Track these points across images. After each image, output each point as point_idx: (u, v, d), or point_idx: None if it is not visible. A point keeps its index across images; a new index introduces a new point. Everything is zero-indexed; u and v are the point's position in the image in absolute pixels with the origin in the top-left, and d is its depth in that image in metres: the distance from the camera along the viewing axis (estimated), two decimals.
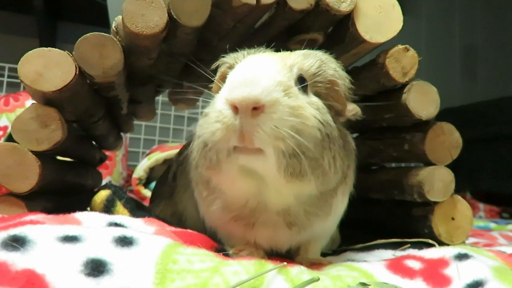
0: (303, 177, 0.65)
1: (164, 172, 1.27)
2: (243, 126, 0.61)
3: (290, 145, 0.62)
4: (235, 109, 0.62)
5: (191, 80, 1.15)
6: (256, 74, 0.64)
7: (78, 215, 0.72)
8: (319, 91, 0.73)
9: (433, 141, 0.94)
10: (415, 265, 0.71)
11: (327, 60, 0.75)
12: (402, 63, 0.90)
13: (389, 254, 0.86)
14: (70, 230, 0.58)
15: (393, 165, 1.21)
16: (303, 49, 0.77)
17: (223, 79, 0.73)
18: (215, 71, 0.80)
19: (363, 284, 0.58)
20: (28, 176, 0.78)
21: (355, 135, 1.14)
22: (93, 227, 0.63)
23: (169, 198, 1.06)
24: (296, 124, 0.63)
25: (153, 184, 2.34)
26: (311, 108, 0.67)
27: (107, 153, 1.52)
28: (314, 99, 0.71)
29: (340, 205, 0.81)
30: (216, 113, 0.65)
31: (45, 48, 0.78)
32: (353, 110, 0.77)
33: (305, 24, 0.92)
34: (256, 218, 0.73)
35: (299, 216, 0.73)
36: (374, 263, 0.73)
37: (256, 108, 0.61)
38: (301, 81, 0.70)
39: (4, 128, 2.21)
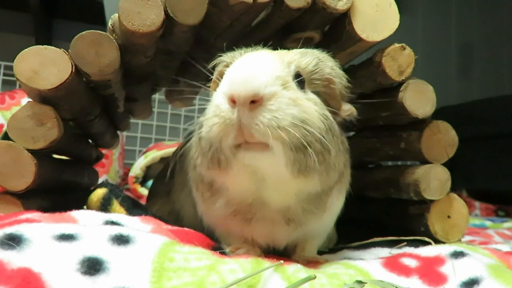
0: (309, 173, 0.65)
1: (161, 171, 1.27)
2: (241, 120, 0.61)
3: (295, 136, 0.61)
4: (233, 103, 0.61)
5: (188, 79, 1.15)
6: (255, 69, 0.63)
7: (75, 213, 0.72)
8: (316, 89, 0.73)
9: (429, 139, 0.94)
10: (411, 263, 0.71)
11: (324, 59, 0.76)
12: (399, 61, 0.90)
13: (385, 252, 0.86)
14: (66, 229, 0.58)
15: (390, 163, 1.21)
16: (300, 47, 0.77)
17: (221, 77, 0.73)
18: (212, 69, 0.80)
19: (360, 282, 0.58)
20: (24, 175, 0.78)
21: (351, 133, 1.15)
22: (89, 226, 0.63)
23: (166, 197, 1.06)
24: (297, 113, 0.63)
25: (149, 183, 2.34)
26: (310, 102, 0.68)
27: (104, 151, 1.51)
28: (312, 95, 0.71)
29: (336, 204, 0.81)
30: (213, 108, 0.65)
31: (41, 46, 0.78)
32: (348, 110, 0.78)
33: (302, 22, 0.92)
34: (253, 214, 0.73)
35: (297, 213, 0.73)
36: (371, 261, 0.73)
37: (255, 102, 0.61)
38: (299, 78, 0.70)
39: (0, 126, 2.20)
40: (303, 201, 0.72)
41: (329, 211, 0.78)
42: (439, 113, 0.97)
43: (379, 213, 1.15)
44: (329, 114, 0.70)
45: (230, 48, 0.79)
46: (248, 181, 0.68)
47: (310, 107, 0.66)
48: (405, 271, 0.68)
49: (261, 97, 0.61)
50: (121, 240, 0.58)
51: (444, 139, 0.95)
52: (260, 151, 0.63)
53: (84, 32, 0.79)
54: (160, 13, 0.78)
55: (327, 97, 0.74)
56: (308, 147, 0.63)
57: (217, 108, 0.64)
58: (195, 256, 0.59)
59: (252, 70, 0.63)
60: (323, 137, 0.65)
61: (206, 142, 0.67)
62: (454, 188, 0.97)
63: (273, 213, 0.72)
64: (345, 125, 0.82)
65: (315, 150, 0.64)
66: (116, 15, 0.80)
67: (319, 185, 0.69)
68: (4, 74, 2.68)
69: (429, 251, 0.76)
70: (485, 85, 3.92)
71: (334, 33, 0.94)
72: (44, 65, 0.77)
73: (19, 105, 2.20)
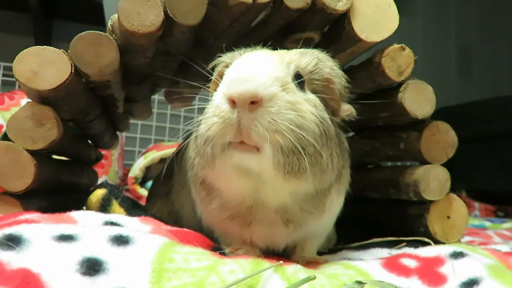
0: (301, 174, 0.65)
1: (160, 171, 1.27)
2: (240, 121, 0.61)
3: (289, 140, 0.62)
4: (233, 103, 0.62)
5: (187, 79, 1.15)
6: (254, 69, 0.64)
7: (74, 214, 0.72)
8: (316, 89, 0.74)
9: (429, 140, 0.94)
10: (410, 263, 0.71)
11: (323, 59, 0.76)
12: (398, 62, 0.90)
13: (385, 252, 0.86)
14: (66, 229, 0.58)
15: (389, 164, 1.21)
16: (300, 48, 0.77)
17: (220, 78, 0.73)
18: (212, 70, 0.80)
19: (359, 282, 0.58)
20: (23, 175, 0.78)
21: (351, 134, 1.15)
22: (89, 226, 0.63)
23: (165, 197, 1.06)
24: (295, 118, 0.63)
25: (149, 183, 2.34)
26: (308, 104, 0.68)
27: (103, 152, 1.51)
28: (311, 96, 0.71)
29: (335, 204, 0.81)
30: (213, 108, 0.65)
31: (40, 46, 0.78)
32: (347, 110, 0.78)
33: (302, 23, 0.92)
34: (253, 217, 0.73)
35: (295, 213, 0.73)
36: (370, 262, 0.73)
37: (254, 103, 0.61)
38: (298, 78, 0.71)
39: None
40: (300, 200, 0.72)
41: (328, 212, 0.78)
42: (439, 114, 0.97)
43: (379, 214, 1.15)
44: (326, 117, 0.71)
45: (230, 48, 0.79)
46: (241, 182, 0.68)
47: (307, 111, 0.66)
48: (405, 272, 0.68)
49: (261, 99, 0.61)
50: (121, 240, 0.58)
51: (443, 139, 0.95)
52: (249, 152, 0.63)
53: (83, 33, 0.79)
54: (159, 14, 0.78)
55: (326, 97, 0.74)
56: (301, 150, 0.63)
57: (217, 108, 0.64)
58: (195, 257, 0.59)
59: (251, 71, 0.63)
60: (317, 141, 0.66)
61: (202, 140, 0.67)
62: (453, 189, 0.97)
63: (272, 214, 0.72)
64: (344, 126, 0.82)
65: (308, 154, 0.64)
66: (116, 15, 0.80)
67: (312, 186, 0.69)
68: (4, 75, 2.68)
69: (429, 251, 0.76)
70: (485, 85, 3.93)
71: (334, 33, 0.94)
72: (44, 65, 0.77)
73: (18, 106, 2.20)
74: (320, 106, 0.71)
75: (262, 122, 0.61)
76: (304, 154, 0.63)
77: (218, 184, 0.72)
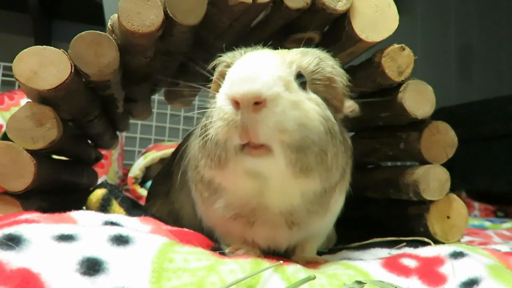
0: (309, 172, 0.66)
1: (160, 171, 1.27)
2: (245, 122, 0.61)
3: (296, 138, 0.62)
4: (236, 104, 0.61)
5: (187, 79, 1.15)
6: (256, 69, 0.63)
7: (74, 214, 0.72)
8: (318, 88, 0.74)
9: (429, 140, 0.94)
10: (410, 263, 0.71)
11: (325, 58, 0.76)
12: (398, 62, 0.90)
13: (385, 252, 0.86)
14: (66, 229, 0.58)
15: (389, 164, 1.21)
16: (301, 47, 0.77)
17: (222, 78, 0.73)
18: (212, 70, 0.80)
19: (359, 282, 0.58)
20: (23, 175, 0.78)
21: (351, 134, 1.15)
22: (88, 226, 0.63)
23: (165, 197, 1.06)
24: (299, 117, 0.63)
25: (149, 183, 2.34)
26: (312, 103, 0.68)
27: (103, 152, 1.51)
28: (313, 95, 0.71)
29: (337, 203, 0.81)
30: (217, 110, 0.65)
31: (40, 46, 0.78)
32: (350, 106, 0.78)
33: (301, 23, 0.92)
34: (257, 217, 0.73)
35: (301, 215, 0.73)
36: (370, 262, 0.73)
37: (258, 103, 0.61)
38: (300, 78, 0.71)
39: None
40: (308, 202, 0.72)
41: (330, 211, 0.78)
42: (439, 114, 0.97)
43: (379, 214, 1.15)
44: (330, 115, 0.71)
45: (230, 49, 0.79)
46: (248, 184, 0.68)
47: (311, 110, 0.66)
48: (405, 272, 0.68)
49: (264, 99, 0.61)
50: (121, 240, 0.58)
51: (443, 139, 0.95)
52: (262, 156, 0.63)
53: (83, 33, 0.79)
54: (159, 14, 0.78)
55: (328, 96, 0.74)
56: (307, 148, 0.63)
57: (220, 110, 0.64)
58: (195, 257, 0.59)
59: (254, 71, 0.63)
60: (322, 139, 0.66)
61: (212, 144, 0.67)
62: (453, 189, 0.97)
63: (275, 216, 0.72)
64: (346, 125, 0.82)
65: (314, 152, 0.65)
66: (116, 15, 0.80)
67: (319, 184, 0.70)
68: (3, 75, 2.68)
69: (429, 251, 0.76)
70: (485, 85, 3.93)
71: (334, 33, 0.94)
72: (44, 65, 0.77)
73: (18, 106, 2.19)
74: (323, 105, 0.71)
75: (267, 122, 0.61)
76: (311, 152, 0.64)
77: (226, 184, 0.72)
